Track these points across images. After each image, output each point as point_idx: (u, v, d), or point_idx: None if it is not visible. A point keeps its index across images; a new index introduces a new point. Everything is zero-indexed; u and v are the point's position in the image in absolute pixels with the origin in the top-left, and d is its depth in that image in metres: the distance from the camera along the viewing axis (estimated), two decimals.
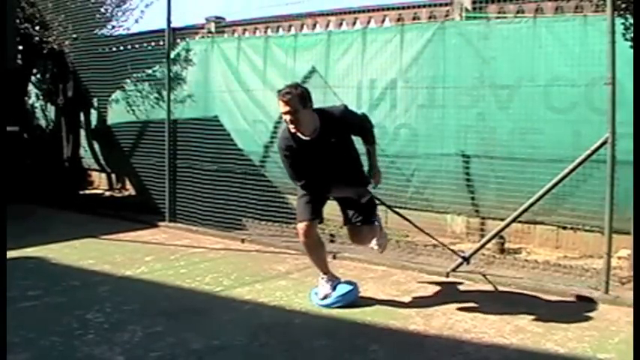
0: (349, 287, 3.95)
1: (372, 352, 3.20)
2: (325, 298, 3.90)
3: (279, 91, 3.68)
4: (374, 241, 4.12)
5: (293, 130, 3.67)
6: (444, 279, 4.55)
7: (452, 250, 4.32)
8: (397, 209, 4.80)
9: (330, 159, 3.77)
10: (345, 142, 3.85)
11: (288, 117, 3.62)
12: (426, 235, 4.19)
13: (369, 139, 3.98)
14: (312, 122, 3.69)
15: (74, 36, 7.23)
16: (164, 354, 3.13)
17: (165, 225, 6.39)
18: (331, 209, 4.12)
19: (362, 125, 3.95)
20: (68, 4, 7.24)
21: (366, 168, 4.03)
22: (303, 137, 3.70)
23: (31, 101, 8.74)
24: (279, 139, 3.87)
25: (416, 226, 4.25)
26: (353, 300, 3.90)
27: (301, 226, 3.85)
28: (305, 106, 3.64)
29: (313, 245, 3.92)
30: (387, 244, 4.27)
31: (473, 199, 5.58)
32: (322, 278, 3.96)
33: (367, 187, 3.96)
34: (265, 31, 7.74)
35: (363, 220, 3.87)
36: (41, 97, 8.63)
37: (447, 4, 6.21)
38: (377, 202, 4.08)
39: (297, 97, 3.61)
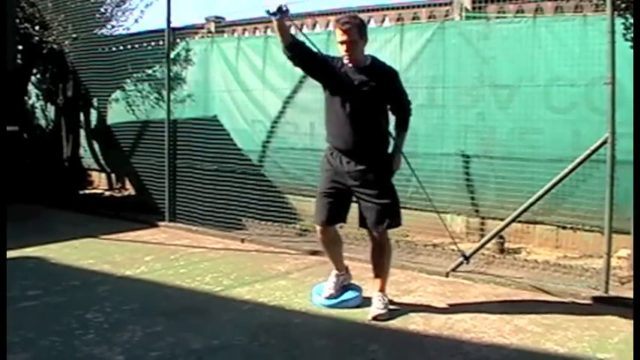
0: (354, 294, 3.96)
1: (371, 352, 3.20)
2: (329, 297, 3.90)
3: (338, 20, 3.65)
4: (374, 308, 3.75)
5: (346, 60, 3.64)
6: (443, 279, 4.56)
7: (456, 247, 4.32)
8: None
9: (359, 104, 3.61)
10: (379, 99, 3.69)
11: (344, 47, 3.60)
12: (443, 225, 4.11)
13: (403, 123, 3.82)
14: (363, 58, 3.69)
15: (74, 36, 7.23)
16: (164, 354, 3.13)
17: (165, 225, 6.39)
18: None
19: (403, 99, 3.81)
20: (68, 4, 7.24)
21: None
22: (351, 65, 3.65)
23: (31, 101, 8.74)
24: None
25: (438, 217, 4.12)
26: (354, 305, 3.90)
27: (318, 228, 3.85)
28: (361, 37, 3.64)
29: (329, 242, 3.91)
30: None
31: (473, 198, 5.59)
32: (335, 275, 3.96)
33: (387, 173, 3.75)
34: (265, 31, 7.73)
35: (388, 225, 3.70)
36: (41, 97, 8.63)
37: (446, 4, 6.21)
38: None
39: (356, 27, 3.61)
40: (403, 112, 3.84)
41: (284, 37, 3.61)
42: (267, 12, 3.46)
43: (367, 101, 3.65)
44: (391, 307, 3.79)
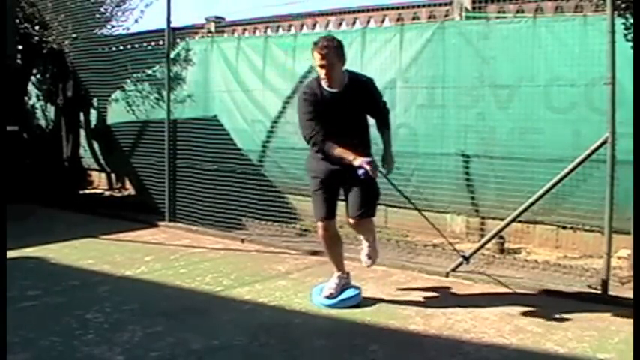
0: (354, 293, 3.97)
1: (371, 351, 3.20)
2: (329, 296, 3.91)
3: (315, 43, 3.67)
4: (364, 257, 4.12)
5: (324, 83, 3.69)
6: (443, 279, 4.56)
7: (454, 249, 4.32)
8: (397, 209, 4.80)
9: (346, 121, 3.75)
10: (362, 112, 3.85)
11: (323, 70, 3.64)
12: (437, 230, 4.15)
13: (385, 122, 3.95)
14: (342, 77, 3.72)
15: (74, 36, 7.23)
16: (164, 354, 3.13)
17: (165, 225, 6.39)
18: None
19: (381, 103, 3.94)
20: (68, 4, 7.24)
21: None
22: (329, 89, 3.71)
23: (31, 101, 8.74)
24: (303, 87, 3.85)
25: (430, 222, 4.19)
26: (354, 304, 3.91)
27: (320, 224, 3.87)
28: (339, 60, 3.67)
29: (331, 241, 3.94)
30: (377, 260, 4.22)
31: (473, 198, 5.58)
32: (337, 276, 3.98)
33: (373, 161, 3.80)
34: (265, 31, 7.73)
35: (363, 214, 3.84)
36: (41, 97, 8.63)
37: (446, 4, 6.21)
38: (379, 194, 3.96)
39: (334, 50, 3.63)
40: (382, 113, 3.96)
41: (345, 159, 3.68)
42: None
43: (351, 118, 3.79)
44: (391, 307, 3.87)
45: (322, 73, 3.66)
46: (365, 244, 4.11)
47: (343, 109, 3.72)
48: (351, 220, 3.88)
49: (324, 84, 3.71)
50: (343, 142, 3.72)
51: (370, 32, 6.30)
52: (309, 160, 3.99)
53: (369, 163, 3.63)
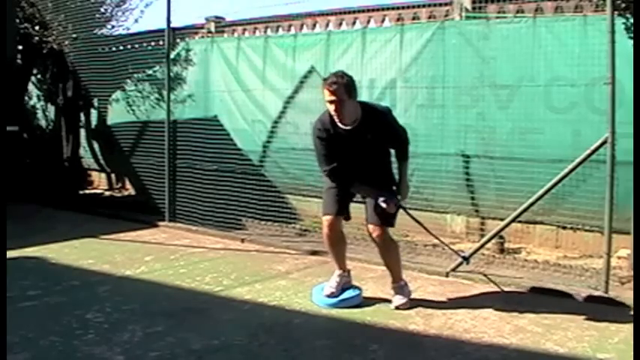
0: (354, 293, 3.98)
1: (371, 352, 3.20)
2: (330, 295, 3.91)
3: (325, 80, 3.66)
4: (396, 299, 3.93)
5: (336, 120, 3.66)
6: (443, 279, 4.56)
7: (453, 250, 4.32)
8: None
9: (363, 155, 3.74)
10: (380, 144, 3.81)
11: (332, 106, 3.61)
12: (432, 235, 4.18)
13: (403, 154, 3.91)
14: (354, 112, 3.68)
15: (74, 36, 7.23)
16: (164, 354, 3.13)
17: (165, 225, 6.39)
18: None
19: (399, 135, 3.89)
20: (68, 4, 7.24)
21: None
22: (342, 126, 3.68)
23: (31, 101, 8.75)
24: (316, 121, 3.81)
25: (425, 228, 4.23)
26: (354, 304, 3.91)
27: (326, 219, 3.86)
28: (350, 96, 3.62)
29: (336, 239, 3.93)
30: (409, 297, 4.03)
31: (473, 198, 5.58)
32: (338, 275, 3.98)
33: (393, 195, 3.84)
34: (265, 31, 7.73)
35: (380, 220, 3.82)
36: (41, 97, 8.63)
37: (446, 4, 6.21)
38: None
39: (344, 86, 3.59)
40: (401, 144, 3.92)
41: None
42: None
43: (369, 151, 3.77)
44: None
45: (332, 109, 3.62)
46: (393, 286, 3.97)
47: (359, 143, 3.70)
48: (370, 227, 3.86)
49: (336, 120, 3.68)
50: (362, 175, 3.75)
51: (370, 32, 6.30)
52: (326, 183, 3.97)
53: (385, 201, 3.69)
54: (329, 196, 3.88)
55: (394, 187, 3.90)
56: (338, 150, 3.73)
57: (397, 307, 3.85)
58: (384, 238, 3.89)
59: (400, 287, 3.95)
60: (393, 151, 3.97)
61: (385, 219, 3.82)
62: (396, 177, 3.97)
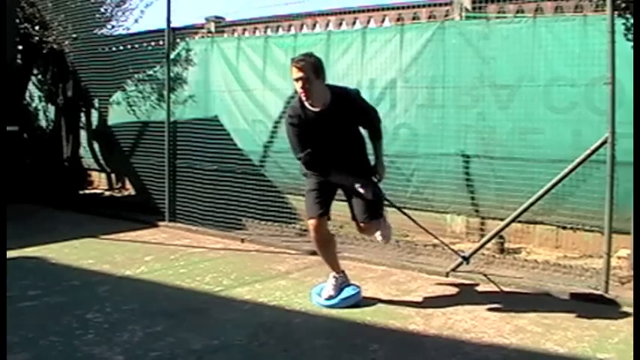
0: (353, 292, 3.97)
1: (371, 351, 3.20)
2: (329, 298, 3.91)
3: (293, 59, 3.67)
4: (378, 233, 4.12)
5: (304, 99, 3.65)
6: (443, 279, 4.56)
7: (452, 250, 4.32)
8: (397, 209, 4.80)
9: (336, 138, 3.74)
10: (352, 126, 3.83)
11: (299, 84, 3.60)
12: (431, 234, 4.18)
13: (376, 133, 3.94)
14: (323, 95, 3.68)
15: (74, 36, 7.23)
16: (164, 354, 3.13)
17: (165, 225, 6.39)
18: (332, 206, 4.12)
19: (371, 115, 3.91)
20: (68, 4, 7.24)
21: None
22: (313, 109, 3.68)
23: (32, 102, 8.74)
24: (288, 108, 3.84)
25: (420, 226, 4.24)
26: (354, 303, 3.91)
27: (311, 223, 3.87)
28: (318, 77, 3.63)
29: (323, 241, 3.93)
30: (391, 235, 4.25)
31: (473, 198, 5.58)
32: (333, 277, 3.98)
33: (372, 179, 3.89)
34: (265, 31, 7.74)
35: (369, 217, 3.86)
36: (41, 97, 8.63)
37: (446, 4, 6.21)
38: (385, 202, 4.05)
39: (311, 64, 3.61)
40: (373, 123, 3.93)
41: None
42: None
43: (341, 134, 3.77)
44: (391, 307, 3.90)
45: (299, 87, 3.62)
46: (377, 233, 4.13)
47: (331, 126, 3.70)
48: (361, 225, 3.89)
49: (307, 103, 3.67)
50: (337, 159, 3.75)
51: (370, 32, 6.30)
52: (307, 178, 3.99)
53: (361, 187, 3.72)
54: (309, 198, 3.89)
55: (371, 170, 3.92)
56: (310, 135, 3.72)
57: (383, 237, 4.10)
58: (378, 228, 4.00)
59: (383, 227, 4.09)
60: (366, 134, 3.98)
61: (374, 212, 3.85)
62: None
